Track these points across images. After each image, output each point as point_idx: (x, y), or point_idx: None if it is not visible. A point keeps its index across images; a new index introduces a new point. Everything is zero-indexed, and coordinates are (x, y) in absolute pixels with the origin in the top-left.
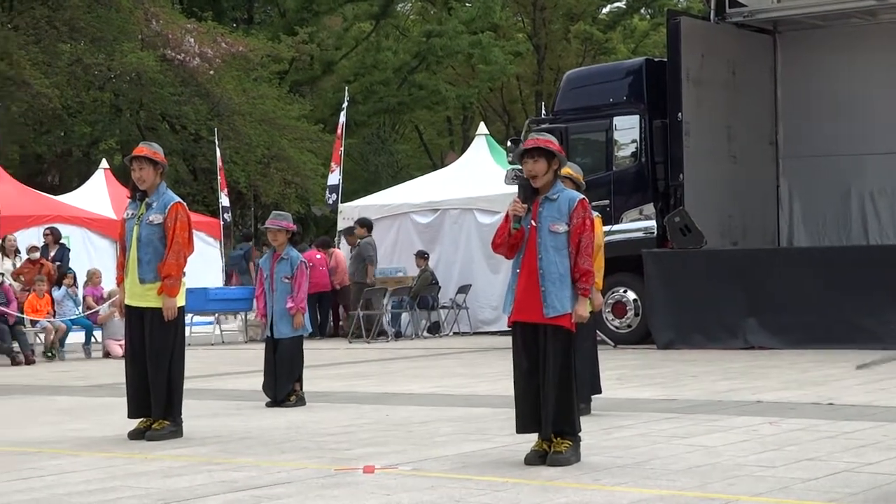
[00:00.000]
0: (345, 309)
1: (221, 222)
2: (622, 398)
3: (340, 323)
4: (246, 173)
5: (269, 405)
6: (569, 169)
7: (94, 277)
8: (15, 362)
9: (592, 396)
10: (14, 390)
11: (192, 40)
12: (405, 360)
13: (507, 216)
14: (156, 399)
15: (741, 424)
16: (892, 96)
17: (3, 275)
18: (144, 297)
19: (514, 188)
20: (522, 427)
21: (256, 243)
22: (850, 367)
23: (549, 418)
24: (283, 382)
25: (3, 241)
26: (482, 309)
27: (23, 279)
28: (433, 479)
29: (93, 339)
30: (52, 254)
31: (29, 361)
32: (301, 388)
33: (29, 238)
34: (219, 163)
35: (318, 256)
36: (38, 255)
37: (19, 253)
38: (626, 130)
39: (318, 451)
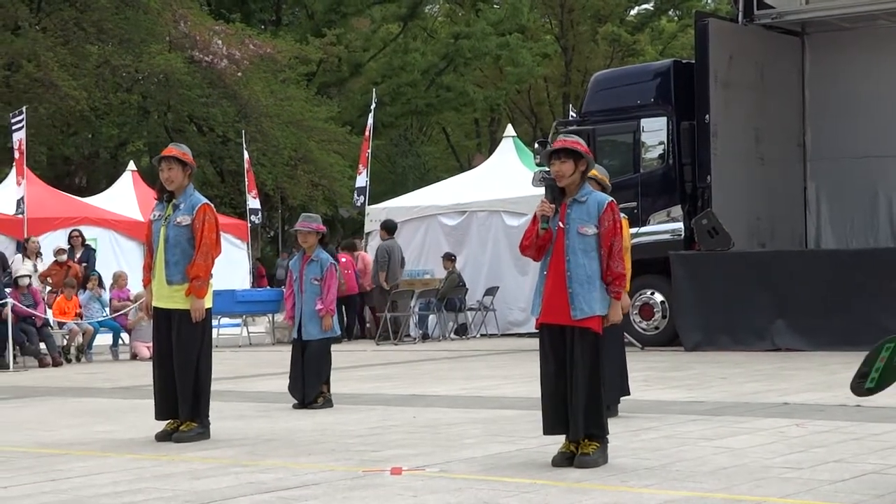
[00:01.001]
0: (371, 311)
1: (248, 224)
2: (649, 400)
3: (367, 325)
4: (273, 175)
5: (296, 407)
6: (594, 171)
7: (119, 280)
8: (42, 364)
9: (621, 398)
10: (42, 392)
11: (219, 42)
12: (432, 362)
13: (534, 218)
14: (183, 401)
15: (768, 426)
16: None
17: (29, 276)
18: (172, 298)
19: (542, 190)
20: (549, 429)
21: (284, 245)
22: None
23: (577, 420)
24: (311, 384)
25: (26, 242)
26: (511, 311)
27: (50, 281)
28: (460, 481)
29: (120, 341)
30: (77, 255)
31: (56, 363)
32: (328, 390)
33: (56, 240)
34: (246, 165)
35: (344, 260)
36: (65, 257)
37: (41, 255)
38: (654, 132)
39: (345, 453)
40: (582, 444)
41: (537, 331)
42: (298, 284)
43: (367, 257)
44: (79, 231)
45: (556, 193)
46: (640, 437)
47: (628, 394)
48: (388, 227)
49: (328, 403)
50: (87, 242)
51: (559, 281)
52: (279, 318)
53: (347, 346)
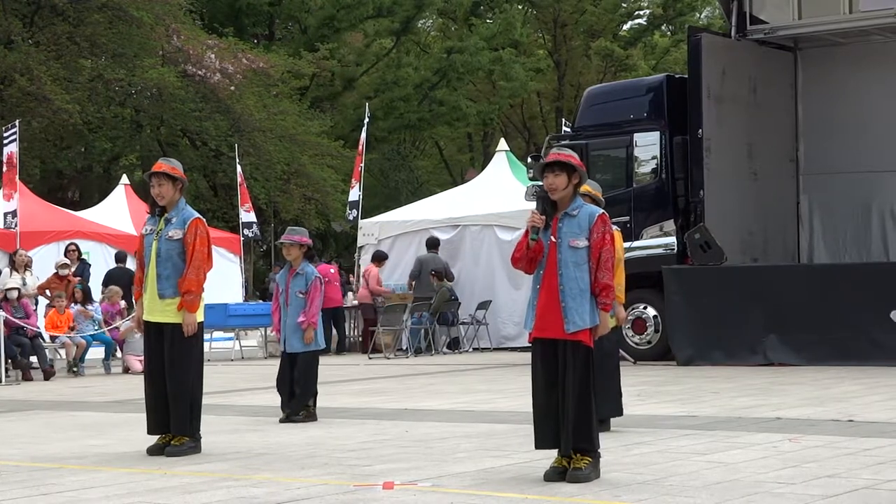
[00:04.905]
0: (364, 324)
1: (241, 238)
2: (642, 415)
3: (359, 339)
4: (266, 189)
5: (282, 420)
6: (588, 186)
7: (113, 296)
8: (25, 377)
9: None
10: (35, 406)
11: (212, 56)
12: (425, 377)
13: (527, 230)
14: (175, 415)
15: (761, 441)
16: None
17: (18, 289)
18: (164, 312)
19: (533, 204)
20: (541, 443)
21: (276, 259)
22: (871, 383)
23: (569, 434)
24: (298, 398)
25: (14, 255)
26: (504, 325)
27: (49, 294)
28: (452, 496)
29: (112, 355)
30: (73, 269)
31: (48, 376)
32: (314, 405)
33: (49, 253)
34: (239, 179)
35: (332, 271)
36: (67, 270)
37: (30, 268)
38: (647, 147)
39: (337, 467)
40: (574, 459)
41: (530, 345)
42: (284, 297)
43: (374, 271)
44: (75, 245)
45: (548, 206)
46: (633, 451)
47: (621, 414)
48: (427, 243)
49: (311, 418)
50: (82, 257)
51: (552, 295)
52: (271, 331)
53: (339, 359)
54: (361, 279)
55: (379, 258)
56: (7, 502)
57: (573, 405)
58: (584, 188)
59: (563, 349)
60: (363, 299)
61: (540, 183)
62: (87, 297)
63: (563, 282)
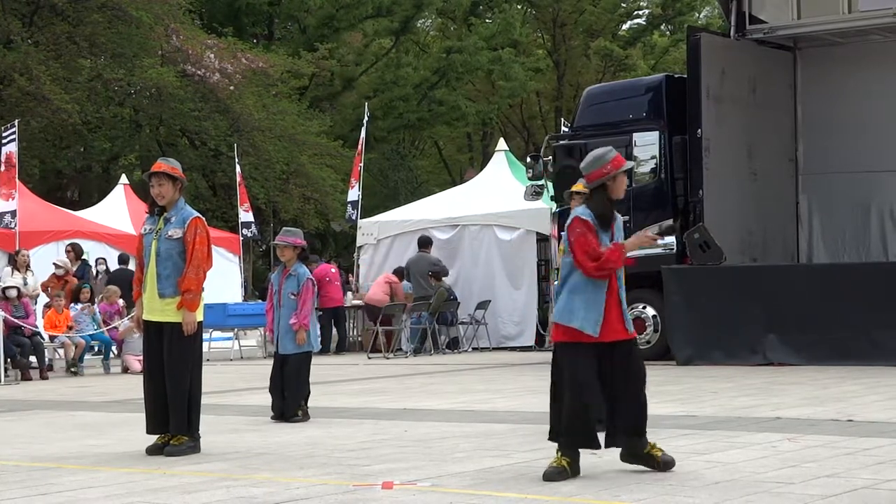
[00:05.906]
0: (373, 324)
1: (241, 237)
2: None
3: (359, 338)
4: (265, 189)
5: (273, 419)
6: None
7: (111, 296)
8: (24, 377)
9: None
10: (34, 406)
11: (212, 56)
12: (424, 376)
13: (591, 240)
14: (174, 414)
15: (760, 441)
16: None
17: (17, 288)
18: (163, 311)
19: (533, 204)
20: (593, 441)
21: (275, 259)
22: (870, 383)
23: (639, 424)
24: (290, 399)
25: (16, 255)
26: (504, 324)
27: (51, 291)
28: (452, 495)
29: (111, 355)
30: (73, 270)
31: (42, 376)
32: (306, 404)
33: (48, 253)
34: (238, 178)
35: (333, 271)
36: (62, 271)
37: (30, 267)
38: (646, 146)
39: (336, 467)
40: (652, 445)
41: (550, 346)
42: (277, 298)
43: (400, 287)
44: (71, 246)
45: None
46: None
47: None
48: (418, 242)
49: (306, 417)
50: (83, 257)
51: (615, 297)
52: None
53: (339, 359)
54: (370, 281)
55: (401, 273)
56: (6, 502)
57: (641, 396)
58: (577, 186)
59: (621, 347)
60: (377, 303)
61: (539, 182)
62: (93, 297)
63: (620, 283)
